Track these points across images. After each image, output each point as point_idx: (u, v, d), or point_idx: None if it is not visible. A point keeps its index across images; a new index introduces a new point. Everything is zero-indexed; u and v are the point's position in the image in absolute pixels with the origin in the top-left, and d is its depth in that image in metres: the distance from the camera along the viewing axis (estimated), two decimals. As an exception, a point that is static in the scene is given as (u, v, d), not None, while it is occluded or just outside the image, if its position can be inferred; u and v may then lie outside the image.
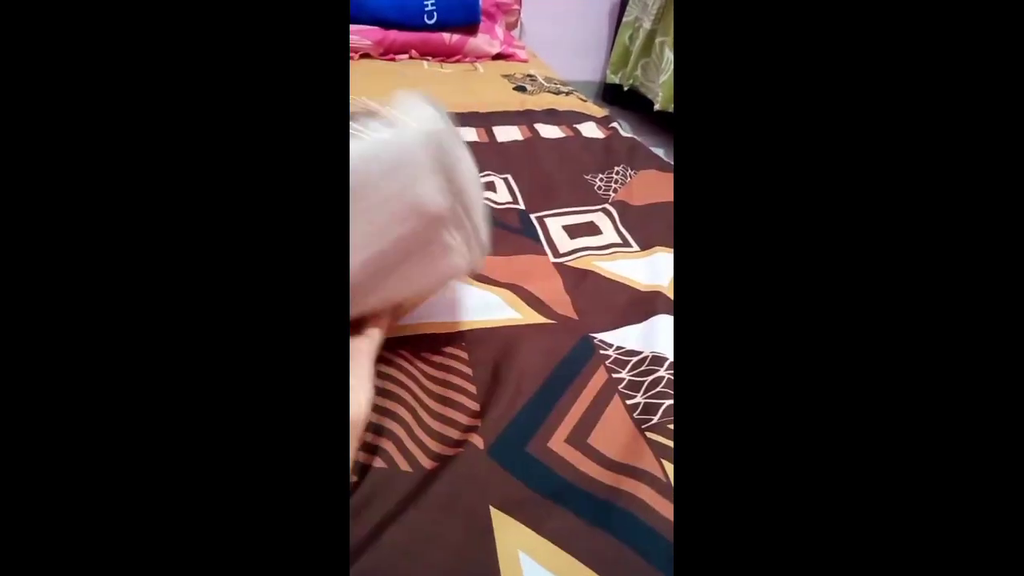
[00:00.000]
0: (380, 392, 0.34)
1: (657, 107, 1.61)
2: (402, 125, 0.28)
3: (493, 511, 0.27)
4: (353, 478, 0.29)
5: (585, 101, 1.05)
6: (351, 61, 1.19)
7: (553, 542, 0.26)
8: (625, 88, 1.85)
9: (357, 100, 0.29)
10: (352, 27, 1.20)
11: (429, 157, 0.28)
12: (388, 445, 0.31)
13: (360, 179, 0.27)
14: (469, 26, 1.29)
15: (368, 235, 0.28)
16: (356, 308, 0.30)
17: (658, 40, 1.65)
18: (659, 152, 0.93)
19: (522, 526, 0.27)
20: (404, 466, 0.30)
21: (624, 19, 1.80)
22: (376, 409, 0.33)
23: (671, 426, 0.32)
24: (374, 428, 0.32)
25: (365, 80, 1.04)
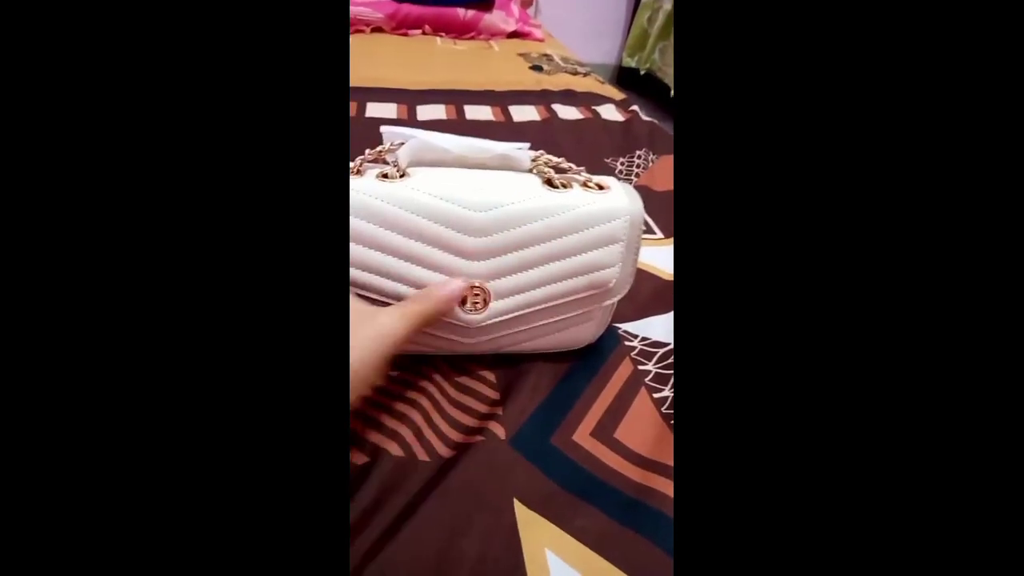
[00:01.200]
0: (398, 379, 0.33)
1: (673, 93, 1.57)
2: (611, 194, 0.30)
3: (517, 505, 0.26)
4: (365, 458, 0.28)
5: (603, 83, 1.02)
6: (362, 34, 1.15)
7: (581, 541, 0.25)
8: (642, 72, 1.80)
9: (547, 156, 0.31)
10: (366, -1, 1.16)
11: (627, 235, 0.30)
12: (406, 432, 0.29)
13: (559, 227, 0.28)
14: (484, 2, 1.25)
15: (540, 278, 0.29)
16: (495, 343, 0.32)
17: (678, 23, 1.60)
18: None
19: (548, 523, 0.25)
20: (422, 455, 0.28)
21: (643, 0, 1.75)
22: (394, 395, 0.31)
23: (702, 422, 0.31)
24: (395, 414, 0.30)
25: (378, 55, 1.01)
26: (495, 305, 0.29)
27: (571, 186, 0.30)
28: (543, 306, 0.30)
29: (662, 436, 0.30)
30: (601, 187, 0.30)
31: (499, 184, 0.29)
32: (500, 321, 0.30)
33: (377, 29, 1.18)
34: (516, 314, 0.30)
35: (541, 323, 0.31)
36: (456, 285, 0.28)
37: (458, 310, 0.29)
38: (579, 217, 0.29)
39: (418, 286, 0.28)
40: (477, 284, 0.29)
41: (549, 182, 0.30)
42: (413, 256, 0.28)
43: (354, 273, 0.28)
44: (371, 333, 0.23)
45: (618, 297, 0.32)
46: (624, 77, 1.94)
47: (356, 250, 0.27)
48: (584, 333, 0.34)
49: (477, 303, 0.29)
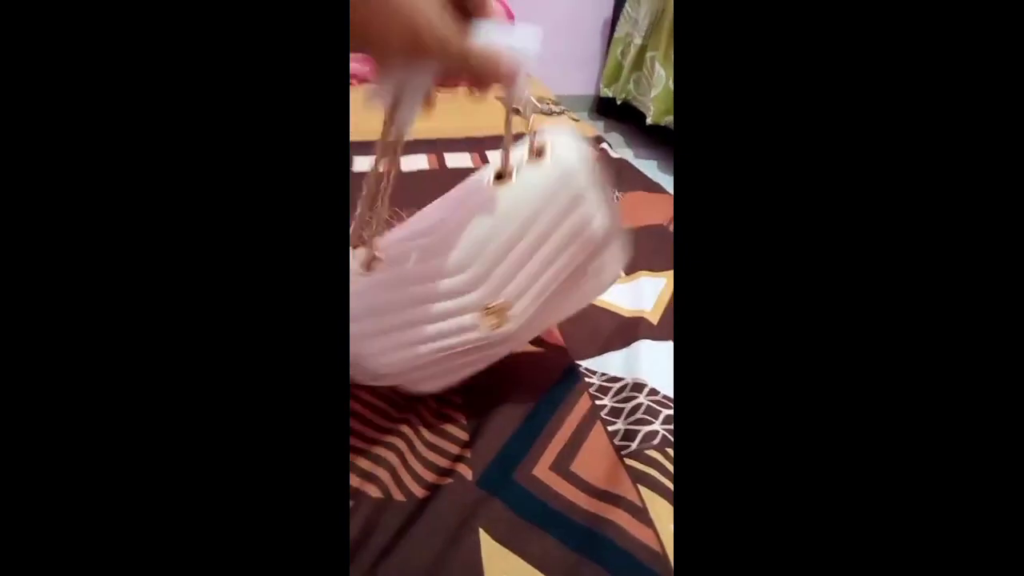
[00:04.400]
0: (375, 424, 0.36)
1: (649, 121, 1.64)
2: (555, 155, 0.30)
3: (483, 537, 0.30)
4: (350, 502, 0.31)
5: (577, 120, 1.08)
6: (352, 87, 1.22)
7: (537, 568, 0.28)
8: (618, 102, 1.88)
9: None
10: (355, 54, 1.24)
11: (587, 179, 0.30)
12: (383, 474, 0.33)
13: (524, 213, 0.29)
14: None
15: (534, 272, 0.30)
16: (535, 330, 0.33)
17: (649, 55, 1.69)
18: (651, 164, 0.94)
19: (510, 552, 0.29)
20: (398, 495, 0.32)
21: (616, 35, 1.84)
22: (371, 438, 0.35)
23: (648, 452, 0.34)
24: (371, 456, 0.34)
25: (366, 107, 1.07)
26: (515, 311, 0.31)
27: (514, 168, 0.30)
28: (557, 284, 0.32)
29: (613, 467, 0.34)
30: (540, 152, 0.30)
31: (450, 226, 0.30)
32: (530, 316, 0.32)
33: (364, 81, 1.25)
34: (540, 303, 0.32)
35: (566, 292, 0.33)
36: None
37: (492, 333, 0.31)
38: (538, 198, 0.29)
39: (436, 340, 0.31)
40: (485, 307, 0.30)
41: (499, 176, 0.30)
42: (411, 321, 0.30)
43: (368, 363, 0.30)
44: None
45: (617, 239, 0.33)
46: (603, 106, 2.03)
47: (371, 345, 0.30)
48: (607, 275, 0.35)
49: (495, 322, 0.31)
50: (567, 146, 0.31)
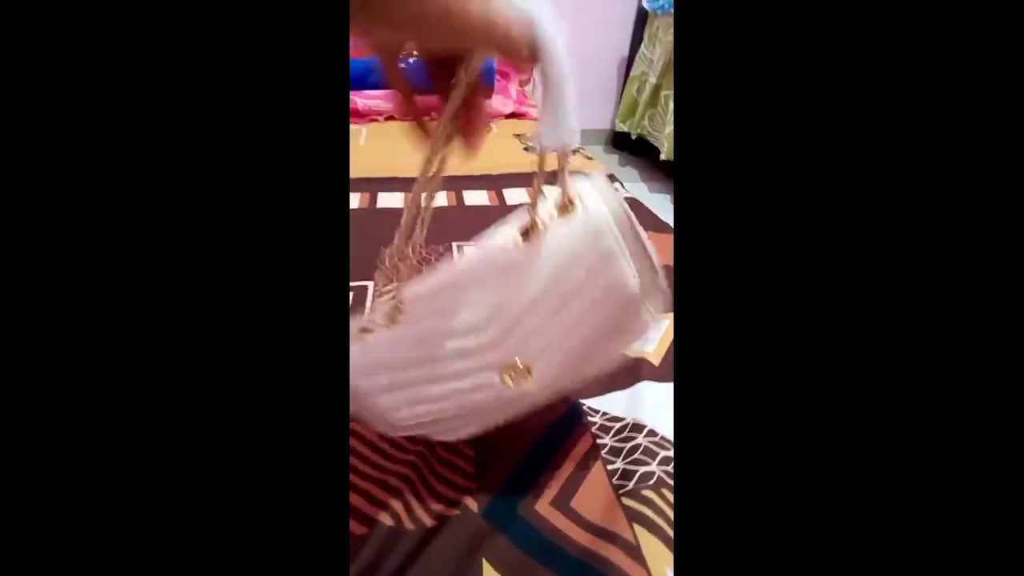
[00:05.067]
0: (389, 454, 0.39)
1: (663, 156, 1.68)
2: (583, 204, 0.29)
3: (486, 568, 0.32)
4: (364, 529, 0.34)
5: (591, 159, 1.12)
6: (377, 123, 1.30)
7: (535, 600, 0.30)
8: (633, 136, 1.94)
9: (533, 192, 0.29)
10: (380, 92, 1.32)
11: (619, 234, 0.28)
12: (396, 504, 0.35)
13: (549, 273, 0.28)
14: (484, 89, 1.40)
15: (561, 332, 0.29)
16: (560, 389, 0.33)
17: (663, 93, 1.74)
18: (664, 197, 0.96)
19: (509, 584, 0.31)
20: (409, 525, 0.34)
21: (631, 73, 1.91)
22: (384, 468, 0.38)
23: (644, 492, 0.36)
24: (383, 484, 0.37)
25: (389, 143, 1.14)
26: (537, 371, 0.30)
27: (542, 224, 0.29)
28: (587, 343, 0.30)
29: (610, 505, 0.36)
30: (571, 202, 0.29)
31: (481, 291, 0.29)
32: (554, 375, 0.31)
33: (390, 118, 1.33)
34: (567, 362, 0.30)
35: (598, 350, 0.32)
36: None
37: (510, 391, 0.30)
38: (564, 258, 0.28)
39: (453, 397, 0.31)
40: (505, 367, 0.30)
41: (526, 232, 0.29)
42: (429, 378, 0.30)
43: (385, 415, 0.31)
44: None
45: (655, 291, 0.31)
46: (618, 140, 2.09)
47: (388, 398, 0.31)
48: (641, 328, 0.32)
49: (514, 381, 0.30)
50: (597, 198, 0.29)
